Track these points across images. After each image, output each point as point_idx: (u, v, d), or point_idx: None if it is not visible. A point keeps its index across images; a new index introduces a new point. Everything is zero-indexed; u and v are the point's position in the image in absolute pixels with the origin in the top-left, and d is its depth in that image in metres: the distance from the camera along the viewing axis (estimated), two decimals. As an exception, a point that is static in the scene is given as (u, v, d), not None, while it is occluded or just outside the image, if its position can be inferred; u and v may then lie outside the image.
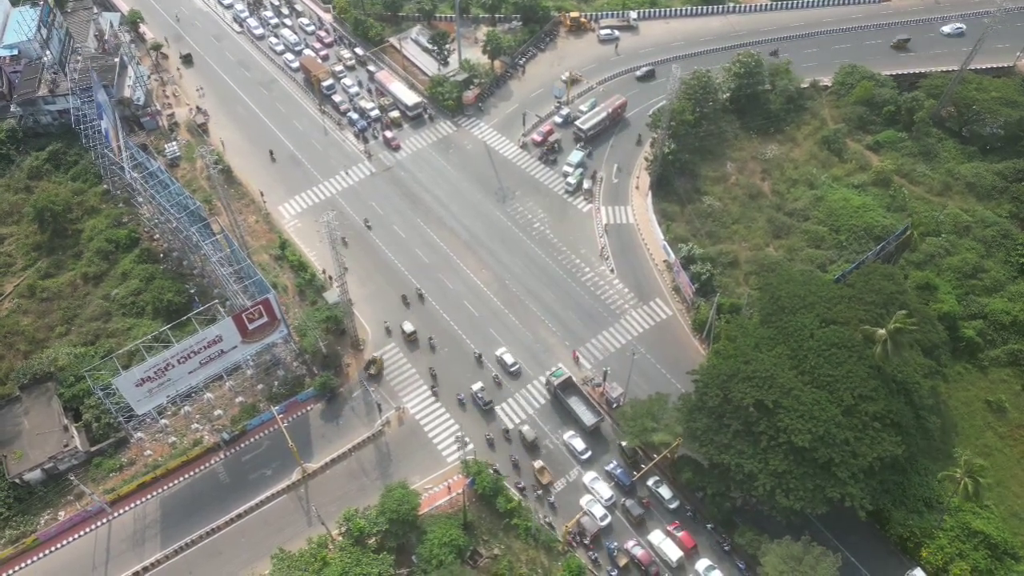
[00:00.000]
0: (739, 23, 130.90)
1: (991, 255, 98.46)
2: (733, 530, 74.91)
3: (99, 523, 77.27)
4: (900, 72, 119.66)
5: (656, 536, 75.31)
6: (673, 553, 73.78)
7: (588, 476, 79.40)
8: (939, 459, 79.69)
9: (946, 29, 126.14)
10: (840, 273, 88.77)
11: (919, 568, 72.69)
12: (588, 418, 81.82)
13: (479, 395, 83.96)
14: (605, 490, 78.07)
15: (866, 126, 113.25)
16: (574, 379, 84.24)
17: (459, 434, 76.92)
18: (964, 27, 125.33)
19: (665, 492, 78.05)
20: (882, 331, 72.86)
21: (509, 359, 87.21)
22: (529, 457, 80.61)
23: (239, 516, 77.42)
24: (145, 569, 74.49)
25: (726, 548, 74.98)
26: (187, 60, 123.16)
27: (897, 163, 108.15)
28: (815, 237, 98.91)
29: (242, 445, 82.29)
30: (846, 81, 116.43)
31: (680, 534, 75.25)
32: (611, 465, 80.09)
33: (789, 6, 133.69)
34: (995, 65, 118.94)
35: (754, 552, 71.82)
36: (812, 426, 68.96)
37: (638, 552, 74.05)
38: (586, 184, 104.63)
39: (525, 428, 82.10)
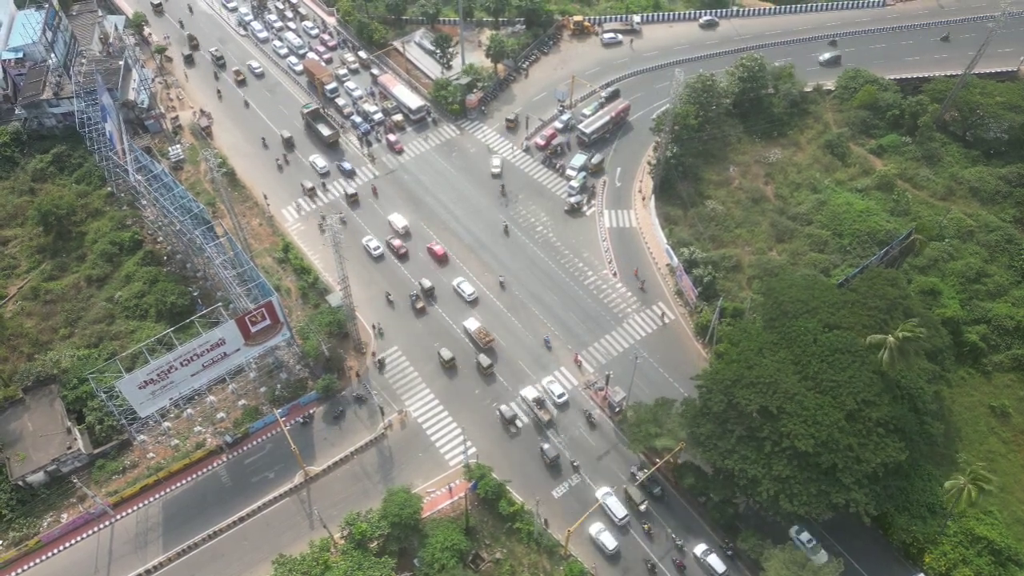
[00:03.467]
0: (743, 27, 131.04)
1: (995, 260, 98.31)
2: (736, 535, 74.77)
3: (102, 526, 77.36)
4: (903, 76, 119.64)
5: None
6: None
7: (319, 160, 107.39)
8: (943, 464, 79.53)
9: (822, 57, 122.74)
10: (843, 277, 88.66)
11: (922, 574, 72.51)
12: (328, 134, 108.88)
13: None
14: (321, 161, 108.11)
15: (869, 130, 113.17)
16: (320, 110, 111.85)
17: (463, 439, 77.07)
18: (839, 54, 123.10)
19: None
20: (891, 338, 72.60)
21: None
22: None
23: (241, 519, 77.47)
24: (148, 572, 74.53)
25: (729, 553, 74.84)
26: (188, 60, 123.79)
27: (900, 167, 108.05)
28: (818, 241, 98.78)
29: (245, 448, 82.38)
30: (849, 85, 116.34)
31: (437, 248, 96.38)
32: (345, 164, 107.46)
33: (793, 10, 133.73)
34: (999, 69, 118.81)
35: (757, 557, 71.65)
36: (815, 431, 68.82)
37: (437, 248, 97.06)
38: (573, 199, 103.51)
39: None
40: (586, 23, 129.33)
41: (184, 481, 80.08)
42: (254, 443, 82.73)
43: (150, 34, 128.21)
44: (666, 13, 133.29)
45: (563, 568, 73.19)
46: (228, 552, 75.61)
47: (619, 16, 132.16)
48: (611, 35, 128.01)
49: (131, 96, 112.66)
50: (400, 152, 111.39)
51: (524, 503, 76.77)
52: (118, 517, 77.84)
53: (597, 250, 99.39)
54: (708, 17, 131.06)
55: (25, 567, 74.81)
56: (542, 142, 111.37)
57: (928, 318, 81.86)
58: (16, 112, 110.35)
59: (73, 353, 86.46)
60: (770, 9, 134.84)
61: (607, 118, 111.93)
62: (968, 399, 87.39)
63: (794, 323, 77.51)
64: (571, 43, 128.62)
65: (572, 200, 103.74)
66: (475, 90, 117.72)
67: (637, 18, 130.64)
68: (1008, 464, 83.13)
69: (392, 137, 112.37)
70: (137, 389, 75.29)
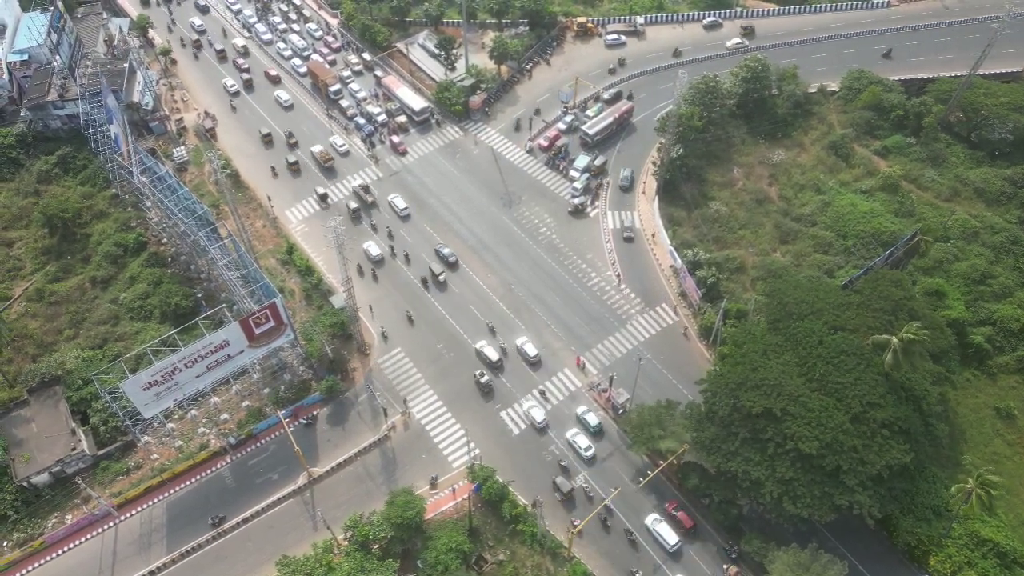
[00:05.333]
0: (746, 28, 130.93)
1: (1000, 261, 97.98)
2: (740, 537, 74.59)
3: (106, 527, 77.54)
4: (908, 77, 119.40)
5: None
6: None
7: None
8: (947, 467, 79.40)
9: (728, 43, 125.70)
10: (848, 279, 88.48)
11: (927, 576, 72.41)
12: None
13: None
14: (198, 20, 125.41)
15: (874, 131, 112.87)
16: None
17: (467, 439, 77.03)
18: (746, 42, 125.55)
19: None
20: (894, 339, 72.42)
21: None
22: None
23: (245, 520, 77.55)
24: (151, 573, 74.67)
25: (733, 556, 74.66)
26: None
27: (905, 168, 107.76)
28: (822, 242, 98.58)
29: (248, 449, 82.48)
30: (853, 86, 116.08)
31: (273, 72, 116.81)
32: None
33: (797, 11, 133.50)
34: (1004, 70, 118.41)
35: (761, 559, 71.47)
36: (820, 433, 68.64)
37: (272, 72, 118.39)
38: (577, 200, 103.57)
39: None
40: (589, 24, 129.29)
41: (188, 482, 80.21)
42: (258, 444, 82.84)
43: (155, 36, 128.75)
44: (669, 14, 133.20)
45: (566, 570, 73.17)
46: (232, 553, 75.70)
47: (622, 17, 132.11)
48: (614, 36, 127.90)
49: (136, 98, 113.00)
50: (404, 154, 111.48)
51: (527, 505, 76.77)
52: (122, 518, 78.00)
53: (600, 251, 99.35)
54: (712, 18, 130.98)
55: (29, 568, 75.00)
56: (545, 143, 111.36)
57: (933, 319, 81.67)
58: (21, 114, 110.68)
59: (77, 354, 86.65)
60: (773, 10, 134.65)
61: (611, 119, 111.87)
62: (973, 401, 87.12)
63: (798, 325, 77.36)
64: (574, 44, 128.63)
65: (575, 201, 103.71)
66: (478, 91, 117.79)
67: (640, 19, 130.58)
68: (1013, 466, 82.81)
69: (396, 139, 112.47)
70: (141, 390, 75.41)
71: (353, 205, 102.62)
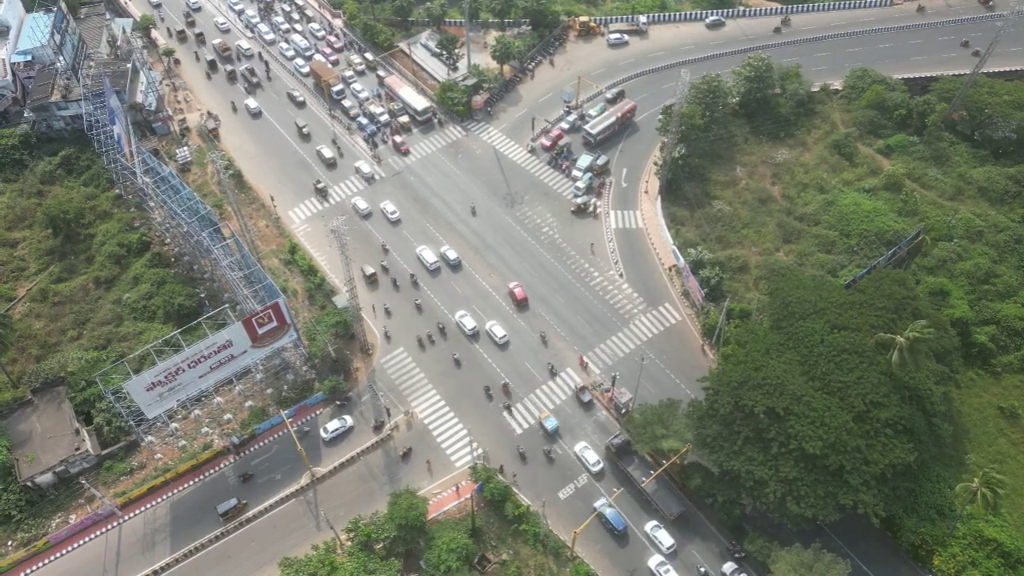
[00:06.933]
0: (749, 27, 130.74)
1: (1003, 260, 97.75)
2: (743, 537, 74.49)
3: (109, 526, 77.71)
4: (911, 76, 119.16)
5: None
6: None
7: None
8: (951, 466, 79.21)
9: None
10: (851, 278, 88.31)
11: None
12: None
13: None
14: None
15: (877, 130, 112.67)
16: None
17: (469, 439, 77.01)
18: None
19: None
20: (900, 338, 72.22)
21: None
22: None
23: (248, 520, 77.64)
24: (155, 572, 74.80)
25: (736, 556, 74.56)
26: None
27: (908, 167, 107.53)
28: (825, 242, 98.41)
29: (252, 449, 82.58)
30: (856, 85, 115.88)
31: None
32: None
33: (799, 10, 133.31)
34: (1007, 69, 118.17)
35: (764, 559, 71.36)
36: (823, 433, 68.52)
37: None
38: (579, 200, 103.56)
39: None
40: (592, 24, 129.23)
41: (191, 482, 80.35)
42: (261, 444, 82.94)
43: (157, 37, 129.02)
44: (672, 13, 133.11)
45: (569, 570, 73.17)
46: (235, 553, 75.84)
47: (625, 17, 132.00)
48: (617, 36, 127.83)
49: (139, 98, 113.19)
50: (406, 154, 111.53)
51: (530, 505, 76.77)
52: (126, 518, 78.16)
53: (603, 251, 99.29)
54: (714, 17, 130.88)
55: (33, 568, 75.19)
56: (548, 143, 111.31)
57: (937, 319, 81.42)
58: (25, 115, 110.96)
59: (81, 355, 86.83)
60: (776, 9, 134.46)
61: (613, 119, 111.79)
62: (977, 400, 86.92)
63: (801, 324, 77.24)
64: (577, 44, 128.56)
65: (578, 201, 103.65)
66: (481, 91, 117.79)
67: (643, 18, 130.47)
68: (1017, 466, 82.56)
69: (398, 139, 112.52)
70: (145, 391, 75.60)
71: (229, 68, 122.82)
